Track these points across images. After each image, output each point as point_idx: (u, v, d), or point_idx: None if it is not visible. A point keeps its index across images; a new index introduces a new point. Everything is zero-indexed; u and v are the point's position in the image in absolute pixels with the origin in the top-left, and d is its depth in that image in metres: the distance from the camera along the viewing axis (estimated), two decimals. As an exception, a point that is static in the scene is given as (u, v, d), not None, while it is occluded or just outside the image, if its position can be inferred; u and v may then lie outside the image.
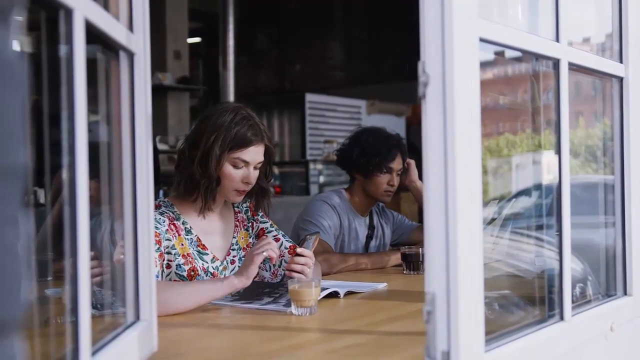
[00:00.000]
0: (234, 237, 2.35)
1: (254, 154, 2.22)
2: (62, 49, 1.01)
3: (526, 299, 1.71)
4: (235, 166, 2.20)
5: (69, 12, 1.00)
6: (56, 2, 0.96)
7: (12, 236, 0.56)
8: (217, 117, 2.20)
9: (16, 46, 0.60)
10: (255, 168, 2.24)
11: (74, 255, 1.01)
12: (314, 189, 7.29)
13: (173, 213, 2.23)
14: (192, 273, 2.18)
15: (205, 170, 2.17)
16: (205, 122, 2.22)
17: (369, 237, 3.16)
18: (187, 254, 2.19)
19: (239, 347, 1.64)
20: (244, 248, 2.36)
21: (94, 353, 1.08)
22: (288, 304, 1.92)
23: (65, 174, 1.00)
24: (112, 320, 1.43)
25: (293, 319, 1.84)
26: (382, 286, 2.37)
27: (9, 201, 0.56)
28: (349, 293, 2.20)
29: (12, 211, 0.56)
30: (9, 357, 0.59)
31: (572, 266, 1.59)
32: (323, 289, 2.05)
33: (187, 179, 2.21)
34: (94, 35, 1.11)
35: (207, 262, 2.23)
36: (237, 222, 2.38)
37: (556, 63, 1.54)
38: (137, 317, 1.38)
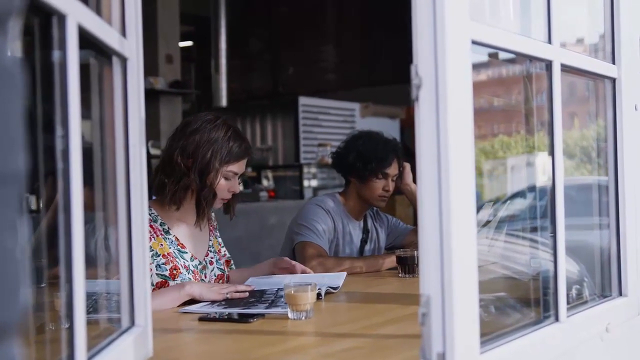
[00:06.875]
0: (210, 241, 2.47)
1: (244, 166, 2.37)
2: (55, 54, 1.01)
3: (522, 301, 1.72)
4: (226, 178, 2.32)
5: (62, 18, 0.99)
6: (50, 7, 0.95)
7: (11, 241, 0.57)
8: (209, 131, 2.29)
9: (13, 52, 0.61)
10: (239, 177, 2.37)
11: (68, 261, 1.01)
12: (307, 192, 7.28)
13: (150, 215, 2.28)
14: (175, 272, 2.26)
15: (203, 183, 2.27)
16: (195, 134, 2.28)
17: (364, 241, 3.15)
18: (168, 253, 2.27)
19: (235, 352, 1.64)
20: (217, 251, 2.48)
21: (89, 359, 1.08)
22: (286, 306, 1.92)
23: (59, 180, 1.00)
24: (106, 325, 1.43)
25: (289, 323, 1.84)
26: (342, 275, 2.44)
27: (8, 207, 0.56)
28: (329, 292, 2.24)
29: (11, 216, 0.57)
30: None
31: (568, 268, 1.59)
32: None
33: (182, 189, 2.28)
34: (86, 40, 1.10)
35: (187, 261, 2.32)
36: (211, 228, 2.51)
37: (549, 65, 1.54)
38: (132, 323, 1.38)
